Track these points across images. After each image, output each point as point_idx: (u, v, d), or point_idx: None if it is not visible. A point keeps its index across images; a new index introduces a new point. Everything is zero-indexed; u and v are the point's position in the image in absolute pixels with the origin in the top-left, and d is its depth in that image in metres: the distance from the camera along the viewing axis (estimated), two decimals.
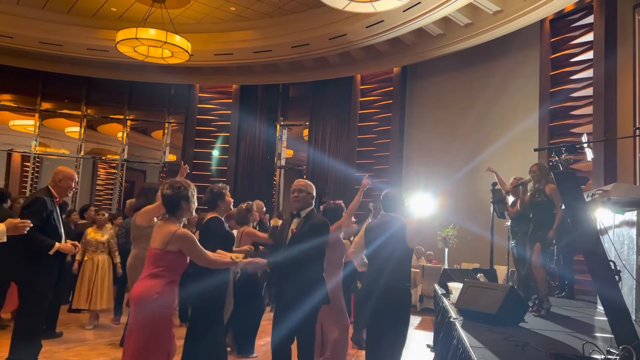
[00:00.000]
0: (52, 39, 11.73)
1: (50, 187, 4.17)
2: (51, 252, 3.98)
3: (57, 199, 4.18)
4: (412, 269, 9.28)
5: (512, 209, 5.71)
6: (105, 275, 6.31)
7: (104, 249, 6.38)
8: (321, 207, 4.80)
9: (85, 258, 6.30)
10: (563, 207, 4.76)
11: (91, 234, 6.34)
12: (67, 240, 4.27)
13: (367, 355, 3.87)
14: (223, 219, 4.00)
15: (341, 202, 4.76)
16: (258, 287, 5.49)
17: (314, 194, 3.82)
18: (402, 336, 3.72)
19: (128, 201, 7.47)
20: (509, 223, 6.03)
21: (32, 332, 4.01)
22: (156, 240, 3.10)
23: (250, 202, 5.59)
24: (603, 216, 4.49)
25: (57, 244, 4.04)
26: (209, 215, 3.96)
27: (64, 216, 4.59)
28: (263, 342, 5.54)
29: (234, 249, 4.05)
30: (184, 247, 3.08)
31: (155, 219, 4.33)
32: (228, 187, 4.16)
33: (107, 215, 6.62)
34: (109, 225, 6.65)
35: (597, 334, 3.82)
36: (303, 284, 3.53)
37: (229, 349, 4.89)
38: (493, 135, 9.69)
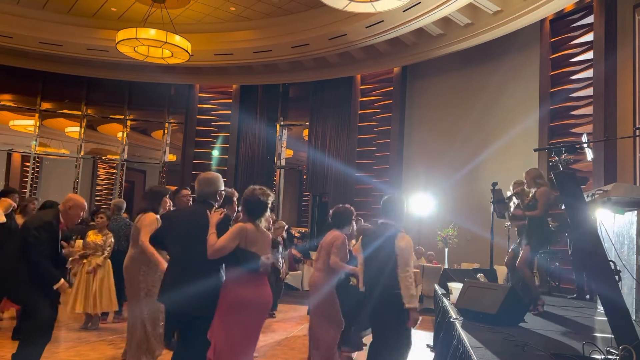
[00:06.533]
0: (52, 39, 11.73)
1: (60, 212, 4.02)
2: (55, 287, 3.85)
3: (62, 225, 4.04)
4: (413, 269, 9.30)
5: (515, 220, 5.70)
6: (104, 277, 6.27)
7: (102, 252, 6.34)
8: (330, 211, 4.78)
9: (84, 261, 6.28)
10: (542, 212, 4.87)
11: (91, 236, 6.31)
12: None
13: (370, 356, 3.88)
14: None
15: (350, 207, 4.70)
16: None
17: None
18: (405, 337, 3.72)
19: (113, 201, 7.46)
20: (508, 223, 6.04)
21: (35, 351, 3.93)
22: (267, 246, 3.34)
23: None
24: (603, 216, 4.49)
25: (61, 280, 3.91)
26: None
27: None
28: (262, 342, 5.55)
29: None
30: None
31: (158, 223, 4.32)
32: (237, 194, 4.13)
33: (105, 218, 6.57)
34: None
35: (597, 334, 3.81)
36: None
37: None
38: (493, 135, 9.70)
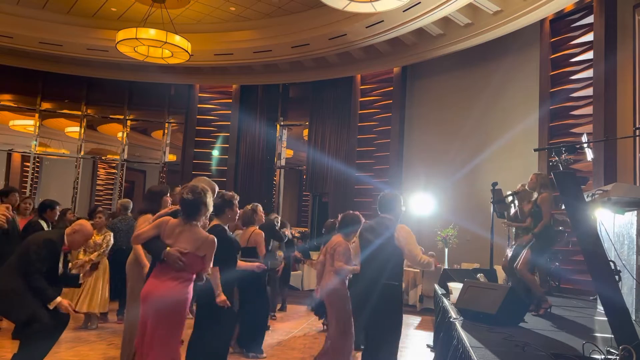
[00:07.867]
0: (52, 39, 11.72)
1: (65, 233, 3.98)
2: (50, 306, 3.76)
3: (66, 248, 4.00)
4: (412, 269, 9.31)
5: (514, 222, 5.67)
6: (99, 277, 6.24)
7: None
8: (339, 216, 4.78)
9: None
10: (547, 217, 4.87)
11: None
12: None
13: (365, 355, 3.90)
14: (227, 227, 3.98)
15: (360, 216, 4.72)
16: (262, 286, 5.53)
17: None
18: (398, 334, 3.80)
19: (119, 201, 7.49)
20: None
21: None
22: (185, 242, 3.23)
23: (255, 203, 5.67)
24: (603, 216, 4.49)
25: (58, 298, 3.81)
26: (213, 222, 3.94)
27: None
28: (263, 342, 5.54)
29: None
30: (210, 252, 3.28)
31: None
32: (238, 197, 4.14)
33: (104, 218, 6.55)
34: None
35: (597, 334, 3.82)
36: None
37: (231, 349, 4.88)
38: (493, 135, 9.69)
